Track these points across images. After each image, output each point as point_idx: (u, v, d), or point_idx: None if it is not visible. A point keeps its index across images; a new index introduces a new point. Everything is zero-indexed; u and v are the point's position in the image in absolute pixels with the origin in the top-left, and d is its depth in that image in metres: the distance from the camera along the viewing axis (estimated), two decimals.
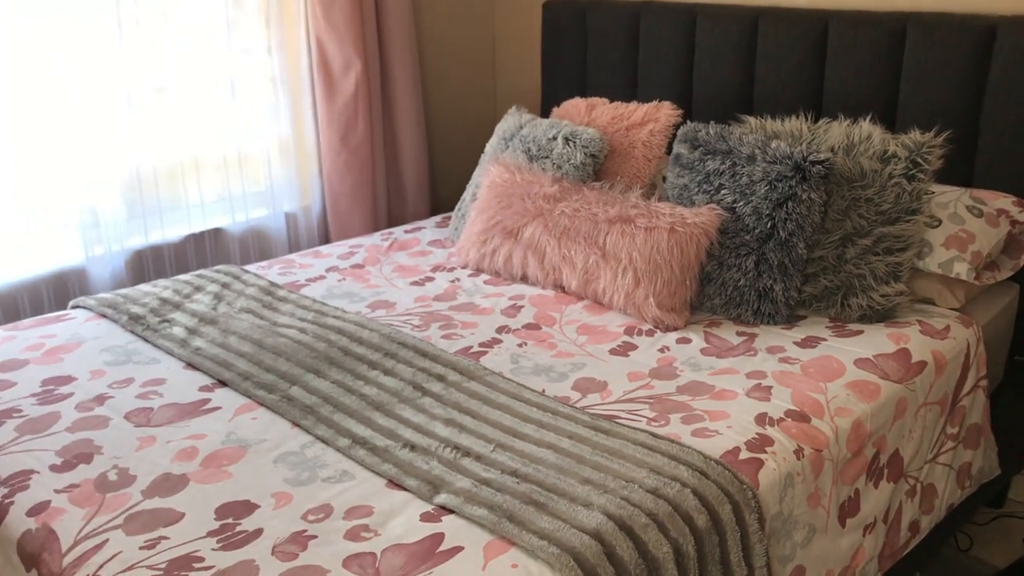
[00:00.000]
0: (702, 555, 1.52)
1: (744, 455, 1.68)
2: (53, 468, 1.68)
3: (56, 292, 2.73)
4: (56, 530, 1.50)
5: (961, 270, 2.22)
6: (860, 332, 2.18)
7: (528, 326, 2.27)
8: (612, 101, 2.90)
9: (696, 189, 2.37)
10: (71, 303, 2.48)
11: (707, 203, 2.33)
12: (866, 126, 2.31)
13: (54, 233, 2.71)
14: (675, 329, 2.23)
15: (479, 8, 3.69)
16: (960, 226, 2.28)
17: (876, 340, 2.13)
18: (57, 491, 1.60)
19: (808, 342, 2.14)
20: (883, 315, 2.22)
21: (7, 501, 1.59)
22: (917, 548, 2.17)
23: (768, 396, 1.88)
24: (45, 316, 2.39)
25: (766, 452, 1.70)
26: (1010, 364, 2.40)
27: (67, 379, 2.03)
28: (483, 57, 3.75)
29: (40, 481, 1.64)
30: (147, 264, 2.91)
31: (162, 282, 2.57)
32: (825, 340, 2.15)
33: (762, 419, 1.79)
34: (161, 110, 2.85)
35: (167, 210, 2.94)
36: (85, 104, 2.66)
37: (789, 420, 1.80)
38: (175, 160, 2.93)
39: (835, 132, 2.33)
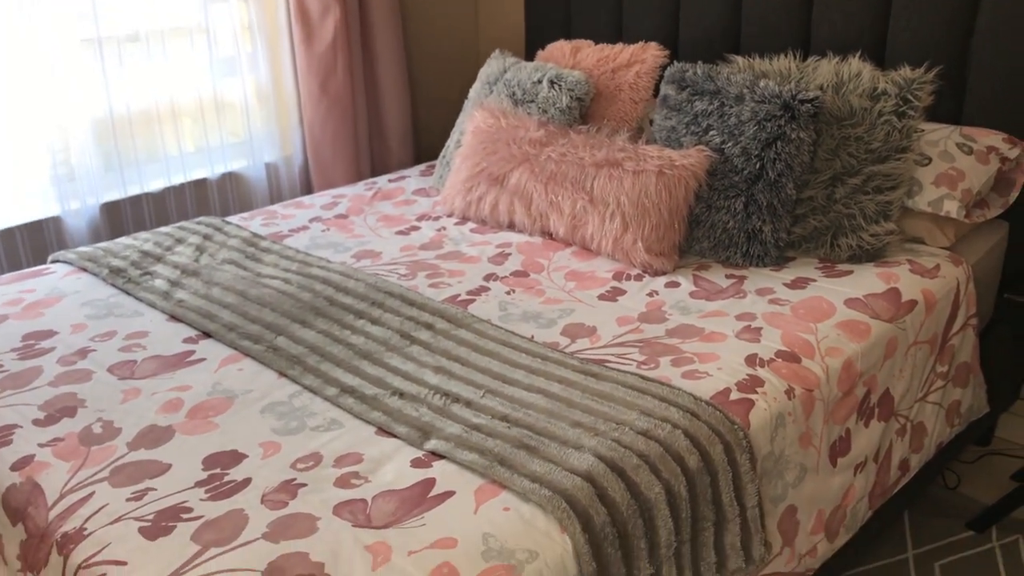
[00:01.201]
0: (694, 495, 1.51)
1: (735, 396, 1.67)
2: (36, 422, 1.65)
3: (32, 242, 2.68)
4: (41, 484, 1.48)
5: (951, 208, 2.21)
6: (850, 272, 2.16)
7: (516, 273, 2.25)
8: (597, 43, 2.84)
9: (684, 131, 2.33)
10: (50, 257, 2.44)
11: (695, 145, 2.29)
12: (855, 63, 2.27)
13: (29, 184, 2.65)
14: (664, 273, 2.21)
15: None
16: (950, 164, 2.26)
17: (866, 280, 2.11)
18: (41, 445, 1.58)
19: (798, 283, 2.12)
20: (873, 255, 2.21)
21: None
22: (906, 486, 2.18)
23: (758, 337, 1.87)
24: (24, 271, 2.35)
25: (757, 393, 1.69)
26: (999, 302, 2.39)
27: (48, 333, 2.00)
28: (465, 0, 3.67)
29: (23, 435, 1.61)
30: (126, 216, 2.86)
31: (143, 235, 2.53)
32: (815, 281, 2.13)
33: (752, 360, 1.78)
34: (135, 59, 2.78)
35: (145, 162, 2.88)
36: (58, 53, 2.58)
37: (780, 361, 1.79)
38: (151, 111, 2.86)
39: (824, 70, 2.30)
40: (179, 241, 2.47)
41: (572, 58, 2.80)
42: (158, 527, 1.36)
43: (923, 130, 2.35)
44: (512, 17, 3.60)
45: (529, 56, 3.42)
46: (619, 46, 2.73)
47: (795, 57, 2.39)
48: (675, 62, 2.47)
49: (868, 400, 1.93)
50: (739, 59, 2.47)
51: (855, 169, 2.21)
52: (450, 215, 2.66)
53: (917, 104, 2.20)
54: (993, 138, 2.33)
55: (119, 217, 2.85)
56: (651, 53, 2.66)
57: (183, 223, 2.61)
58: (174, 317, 2.06)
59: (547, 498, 1.36)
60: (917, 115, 2.21)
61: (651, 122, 2.56)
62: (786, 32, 2.72)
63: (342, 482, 1.45)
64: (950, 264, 2.20)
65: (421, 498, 1.40)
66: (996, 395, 2.46)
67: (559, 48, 2.87)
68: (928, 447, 2.20)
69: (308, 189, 3.30)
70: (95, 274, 2.30)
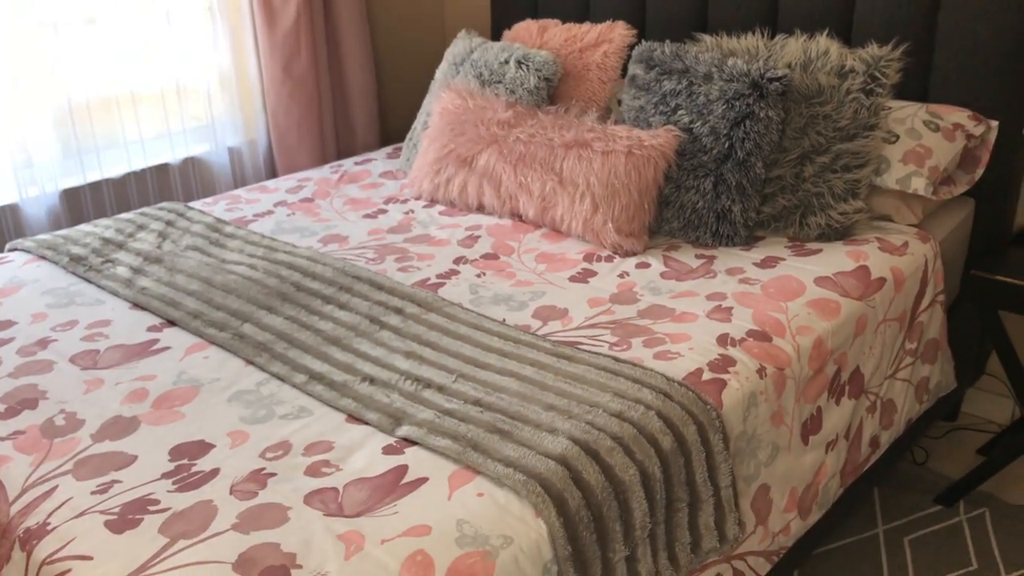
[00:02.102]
0: (668, 476, 1.51)
1: (707, 376, 1.67)
2: None
3: None
4: (1, 479, 1.44)
5: (919, 185, 2.21)
6: (819, 251, 2.17)
7: (486, 256, 2.22)
8: (564, 22, 2.82)
9: (653, 110, 2.32)
10: (7, 245, 2.38)
11: (664, 124, 2.28)
12: (823, 41, 2.27)
13: None
14: (634, 254, 2.20)
15: None
16: (917, 141, 2.26)
17: (835, 258, 2.12)
18: (1, 438, 1.54)
19: (767, 262, 2.12)
20: (842, 233, 2.21)
21: None
22: (876, 463, 2.20)
23: (729, 317, 1.87)
24: None
25: (729, 372, 1.68)
26: (966, 278, 2.41)
27: (7, 323, 1.95)
28: None
29: None
30: (86, 203, 2.80)
31: (103, 221, 2.47)
32: (784, 260, 2.13)
33: (724, 340, 1.78)
34: (93, 42, 2.71)
35: (104, 147, 2.82)
36: (12, 38, 2.51)
37: (751, 340, 1.78)
38: (110, 95, 2.80)
39: (792, 48, 2.29)
40: (141, 227, 2.42)
41: (539, 38, 2.77)
42: (124, 520, 1.33)
43: (890, 108, 2.35)
44: None
45: (495, 36, 3.38)
46: (586, 25, 2.70)
47: (763, 35, 2.38)
48: (643, 41, 2.45)
49: (839, 378, 1.93)
50: (707, 38, 2.46)
51: (823, 147, 2.21)
52: (418, 198, 2.63)
53: (885, 82, 2.20)
54: (959, 115, 2.34)
55: (79, 204, 2.78)
56: (619, 32, 2.63)
57: (145, 209, 2.56)
58: (137, 305, 2.01)
59: (521, 482, 1.35)
60: (885, 92, 2.21)
61: (619, 102, 2.54)
62: (753, 10, 2.70)
63: (312, 471, 1.42)
64: (918, 241, 2.21)
65: (393, 485, 1.38)
66: (962, 371, 2.49)
67: (526, 28, 2.84)
68: (898, 423, 2.22)
69: (272, 173, 3.25)
70: (55, 262, 2.24)
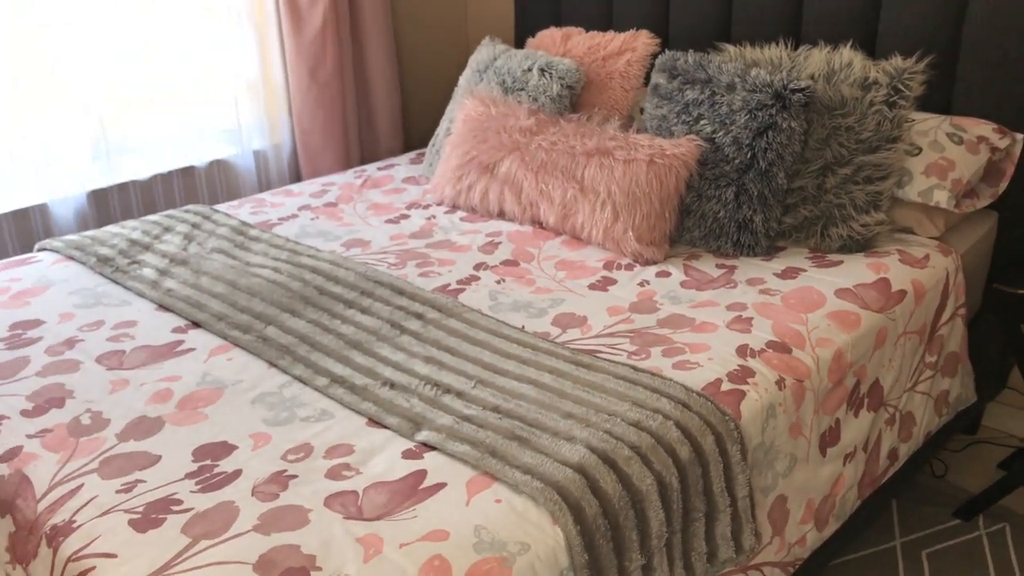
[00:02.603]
0: (685, 487, 1.52)
1: (726, 386, 1.67)
2: (24, 413, 1.64)
3: (19, 230, 2.65)
4: (29, 476, 1.47)
5: (941, 198, 2.21)
6: (840, 262, 2.17)
7: (506, 262, 2.24)
8: (588, 31, 2.83)
9: (675, 120, 2.33)
10: (37, 246, 2.42)
11: (686, 134, 2.29)
12: (847, 52, 2.27)
13: (15, 172, 2.63)
14: (654, 263, 2.21)
15: None
16: (940, 154, 2.26)
17: (856, 270, 2.12)
18: (29, 436, 1.57)
19: (788, 273, 2.13)
20: (863, 245, 2.21)
21: None
22: (894, 475, 2.19)
23: (749, 328, 1.87)
24: (10, 259, 2.33)
25: (748, 383, 1.69)
26: (988, 292, 2.40)
27: (35, 323, 1.98)
28: None
29: (11, 427, 1.60)
30: (113, 204, 2.84)
31: (130, 223, 2.51)
32: (805, 271, 2.14)
33: (743, 351, 1.78)
34: (122, 47, 2.75)
35: (132, 149, 2.86)
36: (44, 39, 2.55)
37: (770, 351, 1.79)
38: (139, 98, 2.84)
39: (815, 59, 2.29)
40: (167, 229, 2.46)
41: (563, 46, 2.78)
42: (148, 519, 1.35)
43: (914, 120, 2.35)
44: (502, 4, 3.58)
45: (519, 44, 3.40)
46: (610, 34, 2.72)
47: (786, 46, 2.39)
48: (666, 50, 2.46)
49: (858, 390, 1.93)
50: (730, 48, 2.46)
51: (846, 159, 2.21)
52: (440, 203, 2.65)
53: (908, 94, 2.20)
54: (983, 128, 2.33)
55: (106, 205, 2.82)
56: (642, 41, 2.65)
57: (171, 211, 2.60)
58: (163, 306, 2.04)
59: (539, 490, 1.36)
60: (908, 105, 2.21)
61: (642, 111, 2.55)
62: (777, 20, 2.71)
63: (333, 474, 1.44)
64: (939, 254, 2.21)
65: (412, 490, 1.40)
66: (983, 384, 2.47)
67: (549, 36, 2.86)
68: (917, 436, 2.21)
69: (297, 177, 3.28)
70: (82, 263, 2.28)
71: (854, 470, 1.98)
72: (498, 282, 2.13)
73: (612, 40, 2.69)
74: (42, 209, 2.68)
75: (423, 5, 3.55)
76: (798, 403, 1.75)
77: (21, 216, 2.66)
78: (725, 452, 1.58)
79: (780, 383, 1.72)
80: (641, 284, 2.10)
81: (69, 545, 1.32)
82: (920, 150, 2.27)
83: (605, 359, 1.74)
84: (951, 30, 2.40)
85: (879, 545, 2.30)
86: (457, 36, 3.71)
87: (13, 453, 1.53)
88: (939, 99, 2.48)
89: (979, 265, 2.41)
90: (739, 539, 1.62)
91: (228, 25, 2.96)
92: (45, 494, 1.43)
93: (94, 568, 1.27)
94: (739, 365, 1.73)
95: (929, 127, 2.32)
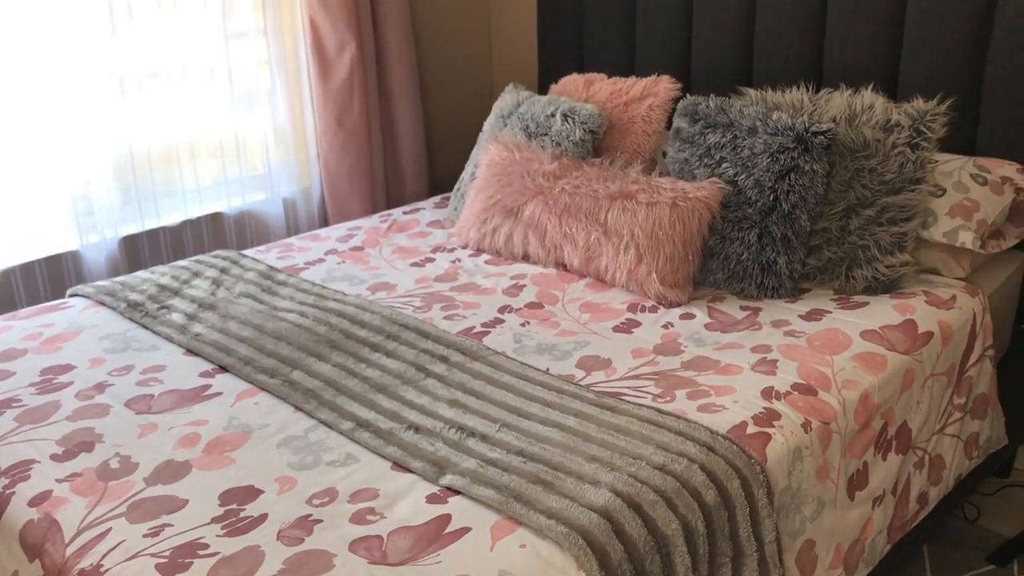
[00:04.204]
0: (711, 531, 1.50)
1: (751, 429, 1.66)
2: (54, 457, 1.66)
3: (51, 276, 2.71)
4: (58, 520, 1.49)
5: (966, 239, 2.20)
6: (865, 304, 2.16)
7: (530, 305, 2.25)
8: (610, 76, 2.86)
9: (697, 163, 2.34)
10: (69, 291, 2.46)
11: (708, 177, 2.30)
12: (868, 95, 2.28)
13: (49, 218, 2.69)
14: (678, 305, 2.21)
15: None
16: (964, 195, 2.26)
17: (882, 311, 2.11)
18: (59, 480, 1.59)
19: (813, 315, 2.12)
20: (888, 286, 2.20)
21: (8, 491, 1.58)
22: (925, 519, 2.16)
23: (774, 370, 1.86)
24: (43, 305, 2.37)
25: (773, 426, 1.68)
26: (1016, 332, 2.38)
27: (66, 368, 2.01)
28: (479, 34, 3.71)
29: (41, 471, 1.62)
30: (143, 250, 2.89)
31: (160, 268, 2.55)
32: (830, 312, 2.13)
33: (769, 393, 1.77)
34: (155, 95, 2.82)
35: (163, 195, 2.91)
36: (78, 90, 2.62)
37: (796, 393, 1.78)
38: (170, 145, 2.90)
39: (837, 102, 2.31)
40: (196, 275, 2.49)
41: (585, 91, 2.82)
42: (175, 564, 1.36)
43: (937, 161, 2.35)
44: (525, 51, 3.63)
45: (542, 89, 3.45)
46: (632, 79, 2.75)
47: (807, 89, 2.40)
48: (687, 95, 2.48)
49: (885, 433, 1.91)
50: (751, 91, 2.48)
51: (869, 200, 2.21)
52: (465, 247, 2.67)
53: (931, 136, 2.20)
54: (1007, 168, 2.33)
55: (136, 250, 2.87)
56: (664, 86, 2.67)
57: (200, 256, 2.63)
58: (191, 351, 2.07)
59: (564, 534, 1.36)
60: (931, 146, 2.21)
61: (664, 154, 2.57)
62: (798, 65, 2.73)
63: (358, 518, 1.45)
64: (966, 295, 2.20)
65: (437, 534, 1.40)
66: (1015, 426, 2.44)
67: (572, 81, 2.89)
68: (947, 480, 2.18)
69: (324, 222, 3.33)
70: (113, 308, 2.31)
71: (883, 514, 1.95)
72: (523, 325, 2.14)
73: (634, 85, 2.72)
74: (74, 256, 2.73)
75: (448, 52, 3.61)
76: (824, 446, 1.74)
77: (54, 262, 2.71)
78: (751, 496, 1.57)
79: (806, 426, 1.71)
80: (665, 326, 2.10)
81: None
82: (944, 191, 2.27)
83: (630, 402, 1.74)
84: (973, 71, 2.41)
85: None
86: (482, 83, 3.77)
87: (43, 497, 1.55)
88: (963, 140, 2.48)
89: (1007, 306, 2.39)
90: None
91: (259, 74, 3.03)
92: (74, 538, 1.44)
93: None
94: (764, 408, 1.73)
95: (953, 168, 2.32)
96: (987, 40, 2.38)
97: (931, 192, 2.27)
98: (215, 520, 1.46)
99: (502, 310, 2.22)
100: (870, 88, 2.33)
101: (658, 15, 3.03)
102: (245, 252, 2.70)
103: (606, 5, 3.16)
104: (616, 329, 2.10)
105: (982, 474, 2.41)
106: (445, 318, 2.18)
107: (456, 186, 2.97)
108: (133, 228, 2.86)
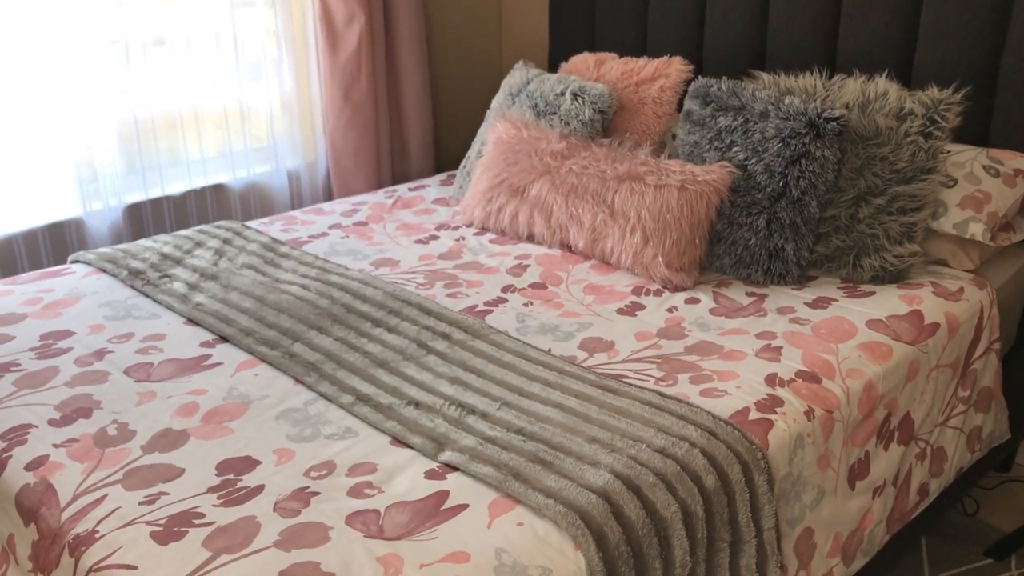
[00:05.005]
0: (710, 515, 1.49)
1: (754, 415, 1.65)
2: (52, 422, 1.65)
3: (54, 243, 2.69)
4: (54, 484, 1.48)
5: (977, 231, 2.18)
6: (872, 293, 2.14)
7: (534, 285, 2.23)
8: (622, 56, 2.84)
9: (707, 146, 2.32)
10: (70, 258, 2.45)
11: (718, 160, 2.28)
12: (882, 82, 2.25)
13: (52, 185, 2.67)
14: (684, 289, 2.20)
15: None
16: (976, 186, 2.23)
17: (888, 301, 2.09)
18: (56, 445, 1.58)
19: (819, 303, 2.10)
20: (896, 276, 2.18)
21: (5, 455, 1.57)
22: (924, 512, 2.15)
23: (778, 357, 1.85)
24: (44, 270, 2.36)
25: (776, 413, 1.67)
26: (1023, 326, 2.36)
27: (66, 333, 2.00)
28: (489, 10, 3.68)
29: (38, 435, 1.61)
30: (146, 218, 2.87)
31: (162, 237, 2.53)
32: (836, 301, 2.11)
33: (772, 380, 1.76)
34: (161, 63, 2.80)
35: (167, 165, 2.90)
36: (83, 56, 2.60)
37: (800, 381, 1.77)
38: (175, 114, 2.88)
39: (850, 88, 2.28)
40: (199, 245, 2.48)
41: (596, 71, 2.79)
42: (170, 532, 1.35)
43: (949, 151, 2.32)
44: (536, 28, 3.60)
45: (552, 68, 3.41)
46: (643, 60, 2.72)
47: (821, 75, 2.38)
48: (699, 77, 2.46)
49: (888, 423, 1.90)
50: (764, 75, 2.46)
51: (879, 189, 2.18)
52: (469, 225, 2.65)
53: (944, 125, 2.18)
54: (1020, 161, 2.30)
55: (140, 219, 2.86)
56: (675, 67, 2.64)
57: (203, 227, 2.62)
58: (191, 320, 2.06)
59: (562, 514, 1.35)
60: (944, 136, 2.19)
61: (674, 137, 2.55)
62: (812, 49, 2.70)
63: (355, 492, 1.44)
64: (974, 287, 2.18)
65: (434, 510, 1.39)
66: (1018, 421, 2.43)
67: (583, 60, 2.87)
68: (948, 472, 2.17)
69: (329, 196, 3.31)
70: (114, 275, 2.30)
71: (883, 504, 1.94)
72: (526, 305, 2.12)
73: (646, 66, 2.69)
74: (77, 223, 2.72)
75: (458, 28, 3.58)
76: (827, 434, 1.72)
77: (57, 229, 2.69)
78: (752, 482, 1.56)
79: (809, 413, 1.70)
80: (670, 310, 2.09)
81: (91, 555, 1.32)
82: (955, 182, 2.25)
83: (632, 384, 1.73)
84: (989, 62, 2.38)
85: None
86: (491, 60, 3.74)
87: (40, 462, 1.54)
88: (976, 131, 2.45)
89: (1015, 300, 2.37)
90: (764, 571, 1.59)
91: (266, 45, 3.00)
92: (69, 503, 1.43)
93: None
94: (767, 394, 1.71)
95: (965, 159, 2.30)
96: (1004, 31, 2.35)
97: (942, 182, 2.24)
98: (211, 490, 1.45)
99: (505, 289, 2.21)
100: (884, 75, 2.30)
101: None
102: (248, 223, 2.68)
103: None
104: (620, 312, 2.08)
105: (983, 468, 2.40)
106: (448, 296, 2.17)
107: (462, 163, 2.95)
108: (137, 196, 2.85)
